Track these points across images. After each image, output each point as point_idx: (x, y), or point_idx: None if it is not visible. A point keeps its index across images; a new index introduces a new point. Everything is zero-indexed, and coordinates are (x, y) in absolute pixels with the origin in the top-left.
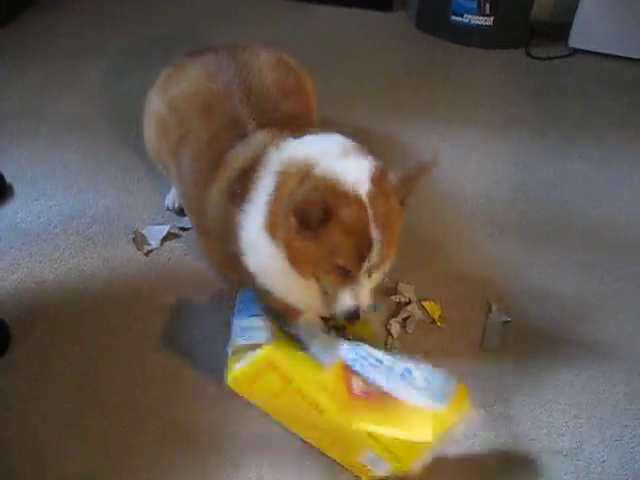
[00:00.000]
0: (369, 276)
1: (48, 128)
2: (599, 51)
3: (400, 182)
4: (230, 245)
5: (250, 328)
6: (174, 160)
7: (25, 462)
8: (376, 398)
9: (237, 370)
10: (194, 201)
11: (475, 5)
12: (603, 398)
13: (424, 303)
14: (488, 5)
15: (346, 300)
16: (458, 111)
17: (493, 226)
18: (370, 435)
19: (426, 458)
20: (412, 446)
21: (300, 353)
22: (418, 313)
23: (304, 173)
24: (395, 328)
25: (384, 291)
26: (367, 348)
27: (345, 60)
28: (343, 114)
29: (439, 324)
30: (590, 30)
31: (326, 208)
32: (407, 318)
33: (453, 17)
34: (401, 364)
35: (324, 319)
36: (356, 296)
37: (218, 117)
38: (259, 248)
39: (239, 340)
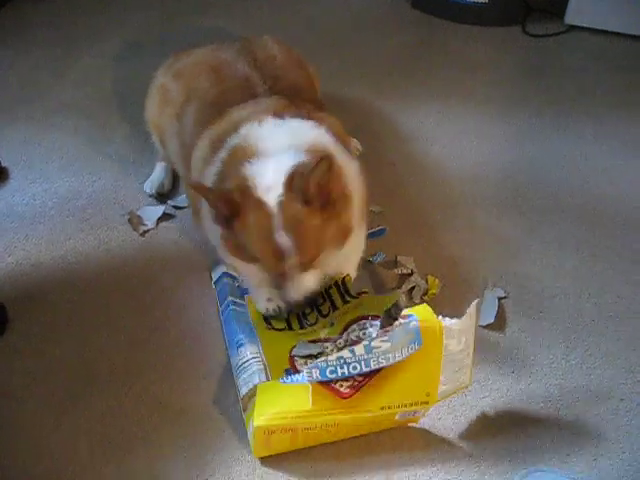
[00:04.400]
0: (300, 272)
1: (43, 112)
2: (596, 27)
3: (298, 178)
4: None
5: (243, 368)
6: (176, 121)
7: (22, 447)
8: (365, 382)
9: (251, 444)
10: (188, 149)
11: None
12: (599, 373)
13: (428, 277)
14: None
15: (287, 293)
16: (454, 89)
17: (489, 203)
18: (383, 408)
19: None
20: (423, 385)
21: (285, 387)
22: (422, 283)
23: (238, 164)
24: (401, 299)
25: (384, 265)
26: (323, 358)
27: (342, 42)
28: (341, 95)
29: (434, 292)
30: (586, 6)
31: (233, 208)
32: (412, 289)
33: None
34: (357, 346)
35: None
36: (294, 289)
37: (226, 78)
38: (208, 215)
39: (242, 389)
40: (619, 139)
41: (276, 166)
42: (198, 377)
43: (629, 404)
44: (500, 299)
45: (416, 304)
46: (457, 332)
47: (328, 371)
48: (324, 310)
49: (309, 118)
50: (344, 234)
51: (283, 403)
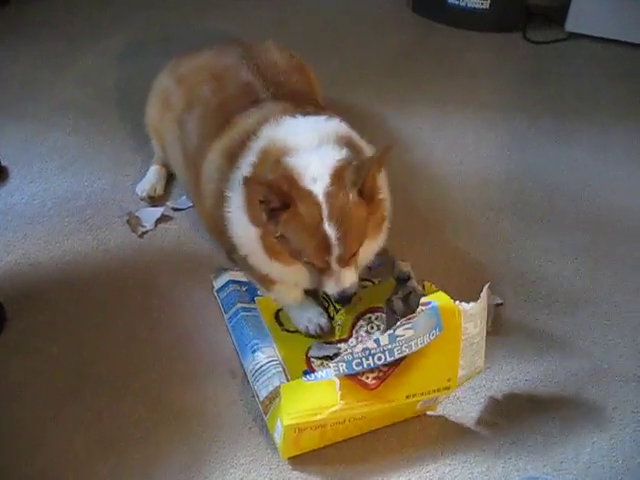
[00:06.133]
0: (342, 266)
1: (44, 111)
2: (596, 35)
3: (354, 172)
4: (218, 208)
5: (261, 371)
6: (177, 127)
7: (19, 443)
8: (390, 372)
9: (280, 445)
10: (194, 158)
11: None
12: (592, 379)
13: (425, 283)
14: None
15: (330, 288)
16: (453, 94)
17: (487, 208)
18: (408, 396)
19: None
20: (444, 371)
21: (310, 385)
22: (419, 289)
23: (276, 159)
24: (397, 305)
25: (381, 271)
26: (349, 351)
27: (341, 44)
28: (339, 97)
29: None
30: (587, 14)
31: (283, 199)
32: (409, 294)
33: (450, 0)
34: (382, 337)
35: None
36: (337, 283)
37: (229, 84)
38: (240, 220)
39: (261, 392)
40: (619, 147)
41: (320, 158)
42: (195, 378)
43: (622, 413)
44: (497, 305)
45: (413, 310)
46: (474, 316)
47: (354, 363)
48: (331, 313)
49: (319, 114)
50: (380, 228)
51: (311, 400)
